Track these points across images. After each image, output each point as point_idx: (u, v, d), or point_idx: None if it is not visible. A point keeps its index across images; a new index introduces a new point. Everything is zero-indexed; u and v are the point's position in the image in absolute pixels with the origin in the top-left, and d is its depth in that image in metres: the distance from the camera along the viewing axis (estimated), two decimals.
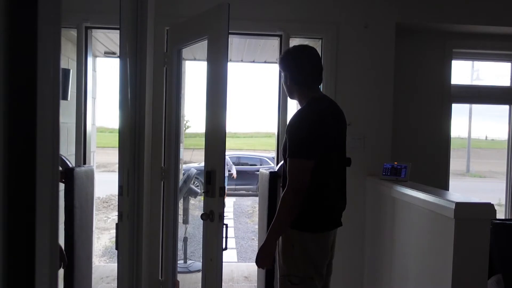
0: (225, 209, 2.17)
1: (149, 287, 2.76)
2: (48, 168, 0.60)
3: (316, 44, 3.22)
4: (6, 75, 0.55)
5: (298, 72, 1.92)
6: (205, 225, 2.20)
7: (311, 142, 1.77)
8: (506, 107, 3.66)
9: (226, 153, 2.12)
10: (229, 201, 9.62)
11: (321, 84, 2.03)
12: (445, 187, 3.33)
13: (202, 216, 2.12)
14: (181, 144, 3.82)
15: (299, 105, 2.02)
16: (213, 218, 2.05)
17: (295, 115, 1.89)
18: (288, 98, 2.36)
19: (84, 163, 2.92)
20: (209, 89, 2.20)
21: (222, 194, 2.05)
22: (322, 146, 1.80)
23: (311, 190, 1.80)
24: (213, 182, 2.05)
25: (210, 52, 2.21)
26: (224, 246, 2.08)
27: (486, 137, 31.73)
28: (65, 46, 3.32)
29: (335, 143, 1.90)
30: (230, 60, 4.47)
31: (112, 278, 3.70)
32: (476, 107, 17.62)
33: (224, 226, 2.07)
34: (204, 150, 2.23)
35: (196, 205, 7.33)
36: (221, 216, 2.04)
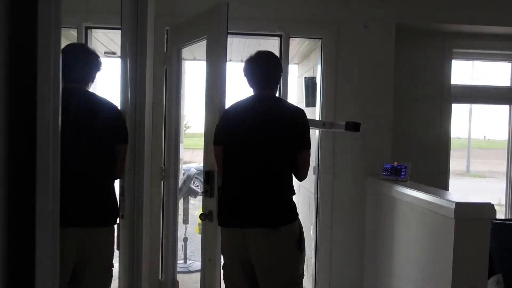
0: None
1: (149, 287, 2.76)
2: (48, 168, 0.60)
3: (316, 44, 3.22)
4: (6, 75, 0.55)
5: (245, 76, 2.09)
6: (203, 225, 2.19)
7: (216, 132, 2.02)
8: (505, 107, 3.66)
9: None
10: None
11: (276, 88, 2.10)
12: (445, 187, 3.33)
13: (200, 216, 2.13)
14: (181, 144, 3.81)
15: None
16: (212, 218, 2.05)
17: None
18: (288, 98, 2.38)
19: None
20: (208, 89, 2.20)
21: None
22: (225, 136, 1.98)
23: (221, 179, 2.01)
24: (212, 182, 2.05)
25: (209, 52, 2.20)
26: None
27: (485, 137, 31.87)
28: None
29: (239, 136, 1.96)
30: (230, 60, 4.47)
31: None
32: (475, 107, 17.64)
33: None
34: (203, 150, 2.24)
35: (196, 205, 7.33)
36: None
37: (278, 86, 2.16)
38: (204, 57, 2.28)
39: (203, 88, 2.23)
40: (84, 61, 1.91)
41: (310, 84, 3.45)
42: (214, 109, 2.12)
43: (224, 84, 2.08)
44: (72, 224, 1.74)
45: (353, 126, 2.36)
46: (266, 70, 2.05)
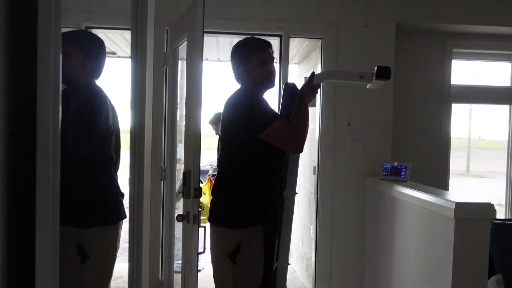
0: None
1: (149, 287, 2.76)
2: (48, 168, 0.60)
3: (316, 44, 3.22)
4: (6, 75, 0.55)
5: None
6: (183, 227, 2.16)
7: None
8: (504, 107, 3.66)
9: None
10: None
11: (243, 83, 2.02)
12: (445, 187, 3.33)
13: (177, 218, 2.05)
14: (180, 144, 3.81)
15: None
16: (189, 220, 1.99)
17: None
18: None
19: None
20: (187, 89, 2.18)
21: (196, 195, 1.96)
22: None
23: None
24: (188, 183, 2.00)
25: (188, 51, 2.17)
26: (202, 249, 2.03)
27: (480, 137, 32.05)
28: None
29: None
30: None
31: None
32: (473, 107, 17.62)
33: (202, 228, 2.01)
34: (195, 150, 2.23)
35: None
36: (196, 218, 1.96)
37: (250, 76, 1.99)
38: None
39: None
40: (99, 54, 1.89)
41: None
42: (191, 109, 2.07)
43: (200, 83, 2.01)
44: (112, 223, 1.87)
45: (382, 72, 2.11)
46: (232, 65, 2.06)
